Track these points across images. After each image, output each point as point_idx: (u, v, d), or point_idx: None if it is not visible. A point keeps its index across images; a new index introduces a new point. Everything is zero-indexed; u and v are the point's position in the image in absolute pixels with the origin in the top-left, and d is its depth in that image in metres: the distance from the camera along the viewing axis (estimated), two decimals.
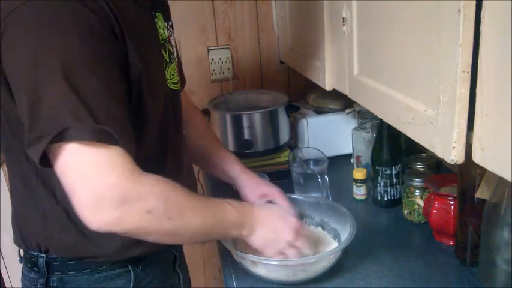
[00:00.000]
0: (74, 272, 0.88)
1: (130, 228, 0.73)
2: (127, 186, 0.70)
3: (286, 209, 1.04)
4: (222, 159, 1.17)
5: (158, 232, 0.77)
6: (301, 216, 1.18)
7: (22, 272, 0.94)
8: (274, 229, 0.94)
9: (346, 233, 1.03)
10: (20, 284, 0.95)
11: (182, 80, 1.13)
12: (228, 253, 1.08)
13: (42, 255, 0.88)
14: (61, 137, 0.67)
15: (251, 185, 1.14)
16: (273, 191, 1.10)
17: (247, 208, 0.92)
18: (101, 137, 0.68)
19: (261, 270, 0.99)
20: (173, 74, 0.93)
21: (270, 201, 1.10)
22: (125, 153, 0.71)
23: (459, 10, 0.58)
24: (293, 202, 1.18)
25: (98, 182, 0.69)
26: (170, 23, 0.98)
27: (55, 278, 0.89)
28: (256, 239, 0.92)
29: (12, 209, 0.93)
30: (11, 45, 0.70)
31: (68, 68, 0.68)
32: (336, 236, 1.10)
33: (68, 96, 0.67)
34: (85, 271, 0.88)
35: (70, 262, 0.88)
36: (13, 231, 0.93)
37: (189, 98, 1.22)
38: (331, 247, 1.07)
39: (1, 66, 0.72)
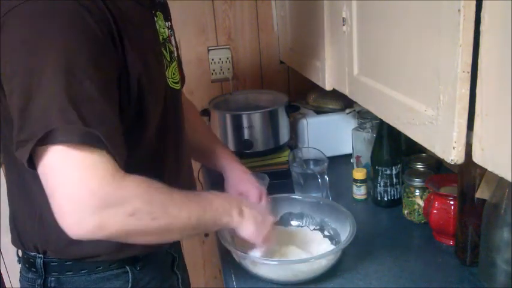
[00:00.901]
0: (71, 273, 0.88)
1: (114, 233, 0.72)
2: (108, 191, 0.69)
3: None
4: (214, 152, 1.18)
5: (144, 233, 0.76)
6: (301, 216, 1.18)
7: (20, 272, 0.94)
8: (258, 211, 0.96)
9: (346, 232, 1.03)
10: (19, 284, 0.95)
11: (182, 79, 1.13)
12: (228, 253, 1.08)
13: (40, 255, 0.88)
14: (47, 138, 0.66)
15: (233, 180, 1.13)
16: (251, 192, 1.09)
17: (231, 197, 0.95)
18: (88, 139, 0.67)
19: (261, 270, 0.99)
20: (174, 73, 0.93)
21: None
22: (110, 157, 0.70)
23: (459, 10, 0.58)
24: (293, 202, 1.19)
25: (78, 187, 0.67)
26: (169, 23, 0.98)
27: (53, 278, 0.89)
28: (248, 223, 0.91)
29: (10, 210, 0.93)
30: (7, 43, 0.70)
31: (61, 69, 0.67)
32: (336, 236, 1.10)
33: (58, 97, 0.66)
34: (82, 272, 0.88)
35: (67, 263, 0.88)
36: (10, 232, 0.93)
37: (184, 95, 1.23)
38: (324, 246, 1.07)
39: None
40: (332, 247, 1.07)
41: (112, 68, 0.73)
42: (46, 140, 0.66)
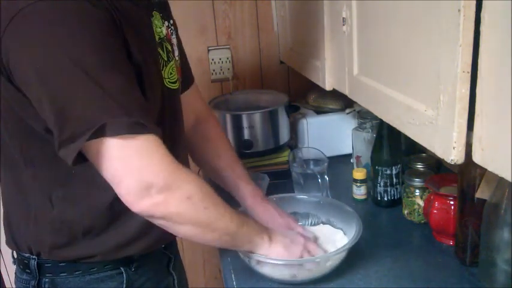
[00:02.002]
0: (65, 274, 0.88)
1: (170, 212, 0.77)
2: (169, 171, 0.76)
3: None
4: (235, 188, 1.11)
5: (194, 220, 0.80)
6: (306, 216, 1.18)
7: (15, 273, 0.94)
8: (287, 236, 0.98)
9: (351, 232, 1.03)
10: (14, 285, 0.95)
11: (189, 79, 1.13)
12: (228, 253, 1.08)
13: (34, 257, 0.88)
14: (99, 134, 0.69)
15: (272, 218, 1.07)
16: (292, 221, 1.08)
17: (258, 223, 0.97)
18: (136, 129, 0.71)
19: (266, 270, 0.99)
20: (171, 73, 0.92)
21: None
22: (158, 139, 0.75)
23: (459, 10, 0.58)
24: (297, 202, 1.19)
25: (145, 171, 0.74)
26: (171, 21, 0.98)
27: (47, 279, 0.89)
28: (277, 246, 0.94)
29: (4, 211, 0.93)
30: (21, 45, 0.69)
31: (86, 66, 0.68)
32: None
33: (94, 93, 0.69)
34: (77, 273, 0.88)
35: (61, 264, 0.88)
36: (5, 233, 0.93)
37: (207, 108, 1.20)
38: (343, 242, 1.06)
39: (2, 65, 0.72)
40: (344, 238, 1.08)
41: (126, 57, 0.75)
42: (96, 135, 0.69)
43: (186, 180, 0.78)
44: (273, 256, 0.94)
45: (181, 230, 0.81)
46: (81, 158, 0.72)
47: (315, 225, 1.17)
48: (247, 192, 1.10)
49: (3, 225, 0.93)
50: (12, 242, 0.91)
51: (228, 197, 1.10)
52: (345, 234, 1.10)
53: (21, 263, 0.91)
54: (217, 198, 0.83)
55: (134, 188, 0.73)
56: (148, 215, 0.77)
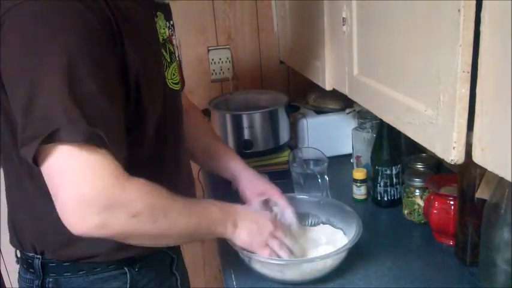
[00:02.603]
0: (69, 274, 0.88)
1: (115, 233, 0.73)
2: (113, 191, 0.70)
3: (282, 208, 1.07)
4: (223, 156, 1.18)
5: (143, 235, 0.77)
6: (306, 216, 1.18)
7: (19, 272, 0.94)
8: (255, 220, 0.96)
9: (351, 232, 1.03)
10: (18, 285, 0.95)
11: (182, 81, 1.13)
12: (228, 253, 1.08)
13: (38, 256, 0.88)
14: (52, 138, 0.66)
15: (251, 183, 1.14)
16: (272, 190, 1.11)
17: (229, 206, 0.94)
18: (91, 139, 0.68)
19: (265, 270, 0.99)
20: (174, 74, 0.92)
21: (267, 200, 1.10)
22: (113, 157, 0.71)
23: (459, 10, 0.58)
24: (297, 202, 1.18)
25: (84, 187, 0.68)
26: (171, 23, 0.98)
27: (50, 279, 0.88)
28: (241, 233, 0.92)
29: (8, 210, 0.93)
30: (7, 42, 0.69)
31: (64, 68, 0.67)
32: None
33: (62, 96, 0.67)
34: (80, 273, 0.88)
35: (65, 263, 0.88)
36: (9, 232, 0.93)
37: (187, 97, 1.22)
38: (343, 242, 1.07)
39: None
40: (344, 238, 1.08)
41: (114, 66, 0.74)
42: (50, 139, 0.66)
43: (134, 199, 0.73)
44: (237, 242, 0.93)
45: (134, 243, 0.79)
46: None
47: (315, 225, 1.17)
48: (234, 157, 1.17)
49: (8, 224, 0.93)
50: (16, 241, 0.91)
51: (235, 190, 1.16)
52: (344, 234, 1.10)
53: (25, 263, 0.91)
54: (172, 205, 0.79)
55: (70, 204, 0.69)
56: (89, 235, 0.71)
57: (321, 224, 1.16)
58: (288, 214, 1.09)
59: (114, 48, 0.73)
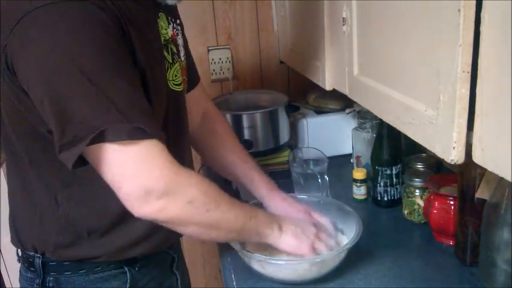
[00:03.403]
0: (69, 273, 0.88)
1: (172, 217, 0.77)
2: (170, 177, 0.75)
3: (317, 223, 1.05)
4: (251, 178, 1.11)
5: (197, 222, 0.80)
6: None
7: (20, 271, 0.95)
8: (298, 225, 0.97)
9: (351, 232, 1.03)
10: (19, 283, 0.95)
11: (195, 79, 1.13)
12: (228, 253, 1.08)
13: (38, 255, 0.88)
14: (99, 139, 0.69)
15: (276, 211, 1.07)
16: (308, 209, 1.07)
17: (272, 213, 0.98)
18: (136, 135, 0.71)
19: (267, 270, 0.99)
20: (176, 75, 0.92)
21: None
22: (161, 144, 0.75)
23: (459, 10, 0.58)
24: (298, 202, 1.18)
25: (144, 177, 0.74)
26: (178, 21, 0.97)
27: (51, 278, 0.89)
28: (287, 237, 0.93)
29: (10, 209, 0.93)
30: (27, 47, 0.69)
31: (90, 70, 0.68)
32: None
33: (97, 98, 0.69)
34: (81, 272, 0.88)
35: (66, 263, 0.88)
36: (10, 231, 0.93)
37: (213, 105, 1.20)
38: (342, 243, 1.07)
39: (6, 66, 0.72)
40: (344, 238, 1.08)
41: (130, 61, 0.75)
42: (97, 140, 0.69)
43: (188, 184, 0.78)
44: (283, 246, 0.93)
45: (186, 231, 0.82)
46: (82, 161, 0.72)
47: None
48: (262, 182, 1.10)
49: (9, 223, 0.94)
50: (17, 240, 0.92)
51: (235, 190, 1.15)
52: (344, 234, 1.10)
53: (26, 261, 0.91)
54: (222, 197, 0.83)
55: (133, 193, 0.73)
56: (150, 219, 0.77)
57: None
58: (325, 221, 1.07)
59: (127, 45, 0.75)
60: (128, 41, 0.75)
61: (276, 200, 1.08)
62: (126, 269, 0.91)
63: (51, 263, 0.88)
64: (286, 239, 0.93)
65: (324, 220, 1.06)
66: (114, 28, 0.72)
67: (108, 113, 0.69)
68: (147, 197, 0.73)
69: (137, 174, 0.73)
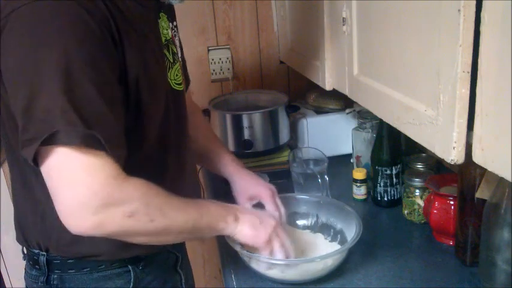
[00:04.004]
0: (73, 271, 0.89)
1: (112, 232, 0.74)
2: (109, 192, 0.71)
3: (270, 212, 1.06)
4: (218, 159, 1.17)
5: (141, 234, 0.78)
6: (306, 216, 1.18)
7: (25, 269, 0.95)
8: (257, 215, 0.96)
9: (351, 232, 1.03)
10: (19, 283, 0.96)
11: (186, 81, 1.13)
12: (228, 253, 1.08)
13: (43, 253, 0.89)
14: (51, 140, 0.67)
15: (242, 187, 1.13)
16: (263, 193, 1.09)
17: (228, 205, 0.94)
18: (89, 142, 0.68)
19: (267, 270, 0.99)
20: (177, 75, 0.92)
21: (258, 204, 1.10)
22: (111, 159, 0.71)
23: (459, 10, 0.58)
24: (297, 202, 1.19)
25: (81, 188, 0.70)
26: (175, 23, 0.98)
27: (55, 276, 0.89)
28: (244, 228, 0.92)
29: (14, 207, 0.94)
30: (8, 44, 0.70)
31: (63, 70, 0.68)
32: (342, 236, 1.10)
33: (60, 99, 0.67)
34: (85, 270, 0.89)
35: (70, 261, 0.88)
36: (15, 229, 0.94)
37: (190, 98, 1.22)
38: (325, 247, 1.07)
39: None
40: (336, 247, 1.07)
41: (112, 68, 0.74)
42: (50, 140, 0.67)
43: (130, 198, 0.74)
44: (239, 237, 0.92)
45: (133, 241, 0.80)
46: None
47: (314, 225, 1.17)
48: (228, 160, 1.16)
49: (14, 221, 0.94)
50: (22, 238, 0.92)
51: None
52: (344, 234, 1.10)
53: (31, 259, 0.91)
54: (170, 204, 0.80)
55: (67, 206, 0.70)
56: (88, 235, 0.73)
57: (307, 230, 1.17)
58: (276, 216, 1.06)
59: (113, 49, 0.73)
60: (118, 45, 0.74)
61: (243, 177, 1.13)
62: (130, 267, 0.91)
63: (55, 261, 0.89)
64: (242, 230, 0.92)
65: (282, 210, 1.08)
66: (100, 33, 0.71)
67: (67, 116, 0.67)
68: (82, 211, 0.70)
69: (75, 184, 0.70)
